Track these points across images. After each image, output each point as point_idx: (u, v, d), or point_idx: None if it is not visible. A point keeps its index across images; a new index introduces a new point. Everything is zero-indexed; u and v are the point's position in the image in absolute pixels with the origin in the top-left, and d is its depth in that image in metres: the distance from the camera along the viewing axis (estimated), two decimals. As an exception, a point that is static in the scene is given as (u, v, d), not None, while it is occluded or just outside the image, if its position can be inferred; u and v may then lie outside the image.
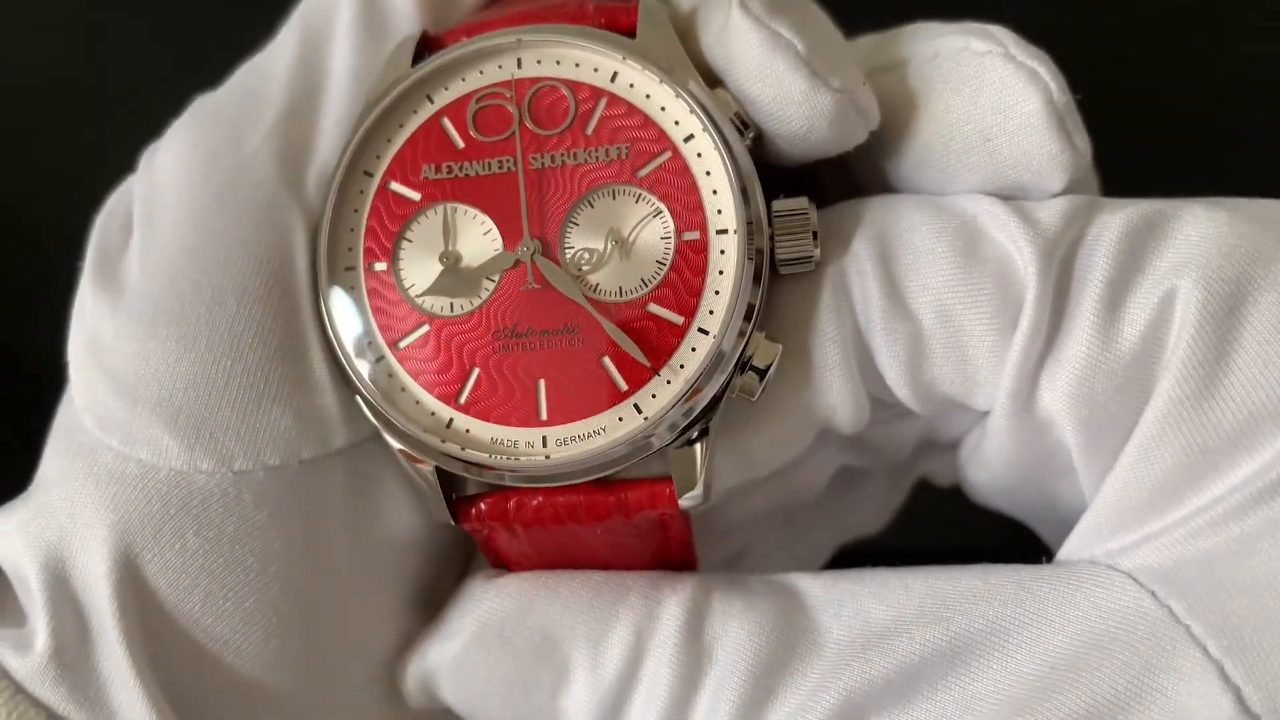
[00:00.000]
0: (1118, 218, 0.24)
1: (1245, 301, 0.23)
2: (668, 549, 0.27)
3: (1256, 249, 0.23)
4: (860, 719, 0.24)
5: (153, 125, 0.28)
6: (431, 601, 0.28)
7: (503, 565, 0.28)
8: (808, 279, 0.25)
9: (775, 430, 0.26)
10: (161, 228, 0.26)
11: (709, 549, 0.29)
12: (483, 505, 0.26)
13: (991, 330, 0.24)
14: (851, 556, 0.34)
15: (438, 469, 0.26)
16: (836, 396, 0.25)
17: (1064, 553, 0.26)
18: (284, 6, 0.28)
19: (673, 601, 0.25)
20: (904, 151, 0.26)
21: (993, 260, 0.24)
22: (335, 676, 0.26)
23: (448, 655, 0.26)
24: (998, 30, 0.25)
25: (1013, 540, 0.31)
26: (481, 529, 0.26)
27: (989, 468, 0.28)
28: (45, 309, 0.29)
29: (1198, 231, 0.24)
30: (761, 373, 0.25)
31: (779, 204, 0.25)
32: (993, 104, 0.25)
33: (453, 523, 0.26)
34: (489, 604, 0.26)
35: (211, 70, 0.29)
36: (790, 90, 0.25)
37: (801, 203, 0.25)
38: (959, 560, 0.26)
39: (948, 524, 0.38)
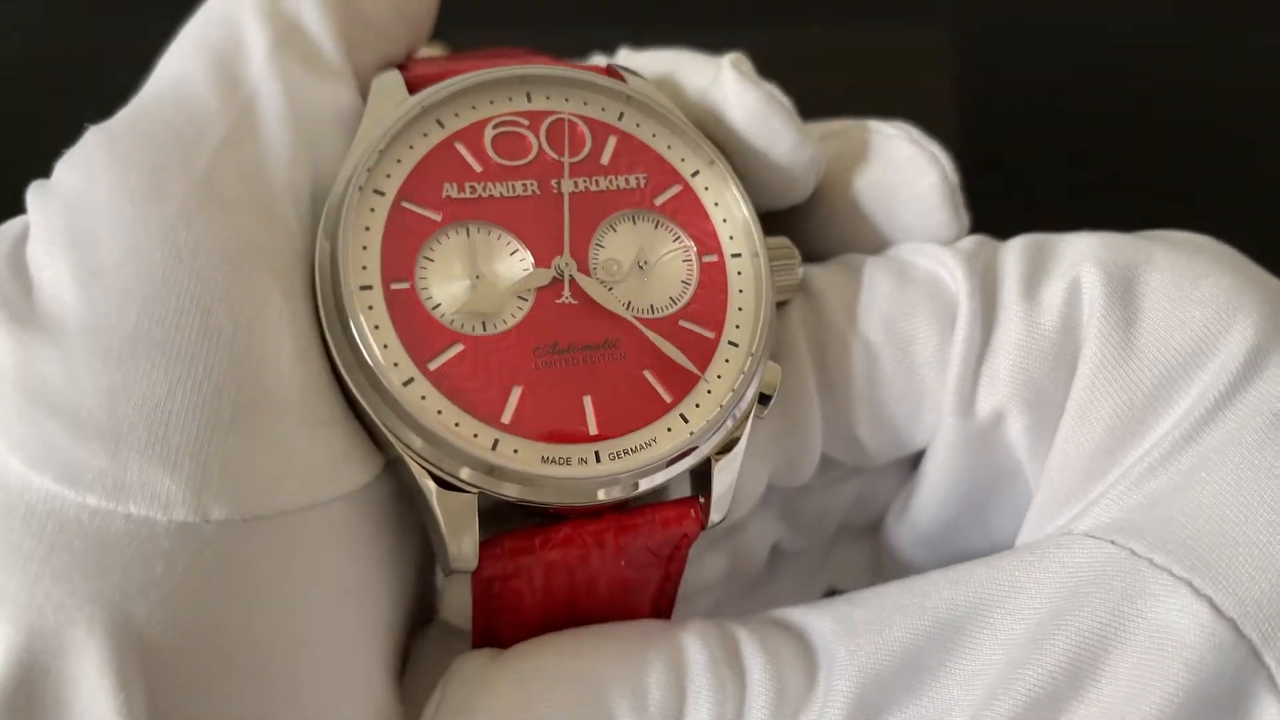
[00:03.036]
0: (1014, 241, 0.28)
1: (1138, 280, 0.26)
2: (662, 590, 0.27)
3: (1135, 249, 0.27)
4: (874, 713, 0.24)
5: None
6: (397, 668, 0.26)
7: (490, 635, 0.26)
8: (780, 312, 0.28)
9: (754, 449, 0.27)
10: (108, 248, 0.22)
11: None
12: (506, 546, 0.24)
13: (932, 337, 0.27)
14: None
15: (480, 494, 0.24)
16: (802, 421, 0.28)
17: (1021, 537, 0.28)
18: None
19: (691, 637, 0.25)
20: (818, 208, 0.30)
21: (924, 281, 0.28)
22: None
23: None
24: (902, 125, 0.30)
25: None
26: (501, 575, 0.25)
27: (924, 512, 0.29)
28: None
29: (1083, 242, 0.27)
30: (771, 391, 0.26)
31: (767, 240, 0.27)
32: (899, 175, 0.29)
33: (473, 567, 0.24)
34: (521, 669, 0.24)
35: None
36: (782, 142, 0.28)
37: (784, 240, 0.28)
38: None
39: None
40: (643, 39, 0.31)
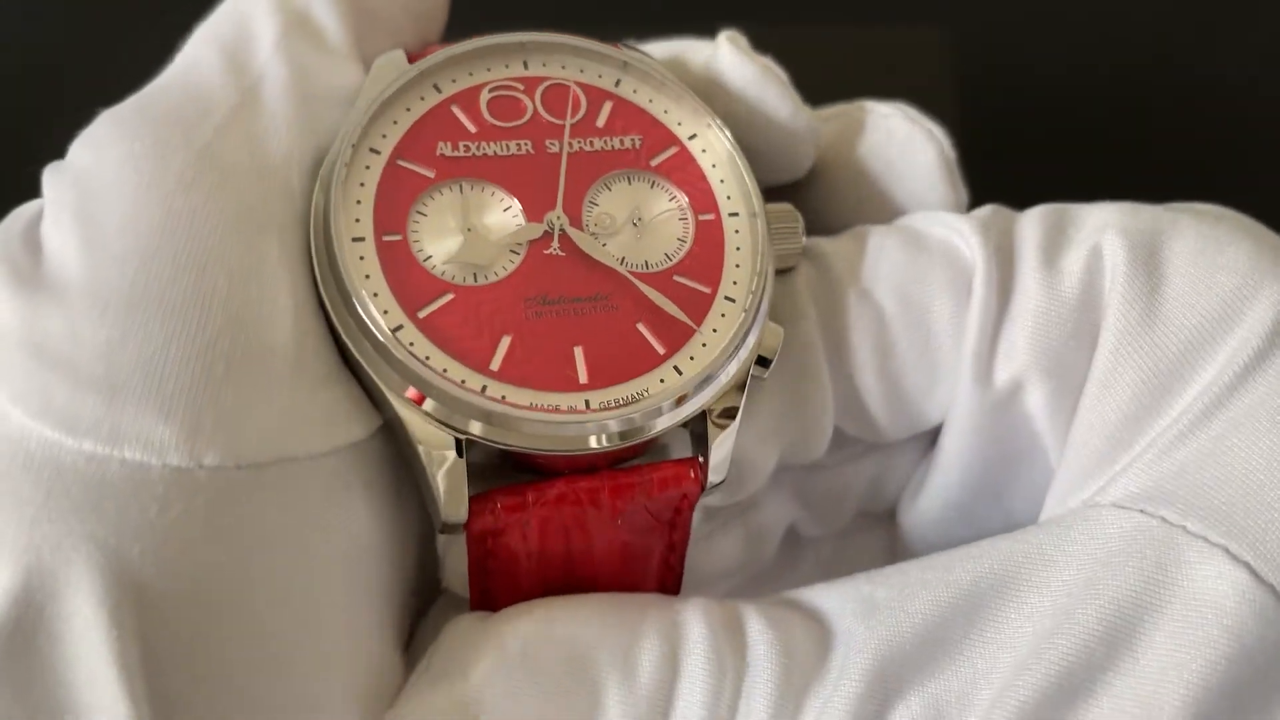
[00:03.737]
0: (1033, 210, 0.27)
1: (1162, 245, 0.26)
2: (666, 562, 0.27)
3: (1157, 218, 0.26)
4: (894, 690, 0.23)
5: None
6: (398, 643, 0.26)
7: (488, 598, 0.26)
8: (784, 280, 0.27)
9: (756, 424, 0.27)
10: (111, 217, 0.23)
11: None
12: (499, 500, 0.24)
13: (947, 305, 0.27)
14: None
15: (463, 442, 0.24)
16: (812, 393, 0.27)
17: (1045, 512, 0.27)
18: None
19: (691, 613, 0.25)
20: (818, 187, 0.31)
21: (938, 248, 0.27)
22: (310, 693, 0.23)
23: (457, 696, 0.23)
24: (898, 104, 0.31)
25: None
26: (494, 530, 0.24)
27: (941, 490, 0.29)
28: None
29: (1104, 213, 0.27)
30: (771, 354, 0.26)
31: (768, 206, 0.27)
32: (897, 152, 0.30)
33: (463, 520, 0.24)
34: (504, 632, 0.24)
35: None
36: (780, 109, 0.28)
37: (787, 206, 0.28)
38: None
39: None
40: (643, 37, 0.31)
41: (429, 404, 0.24)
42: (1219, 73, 0.44)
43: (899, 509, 0.31)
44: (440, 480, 0.24)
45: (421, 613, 0.27)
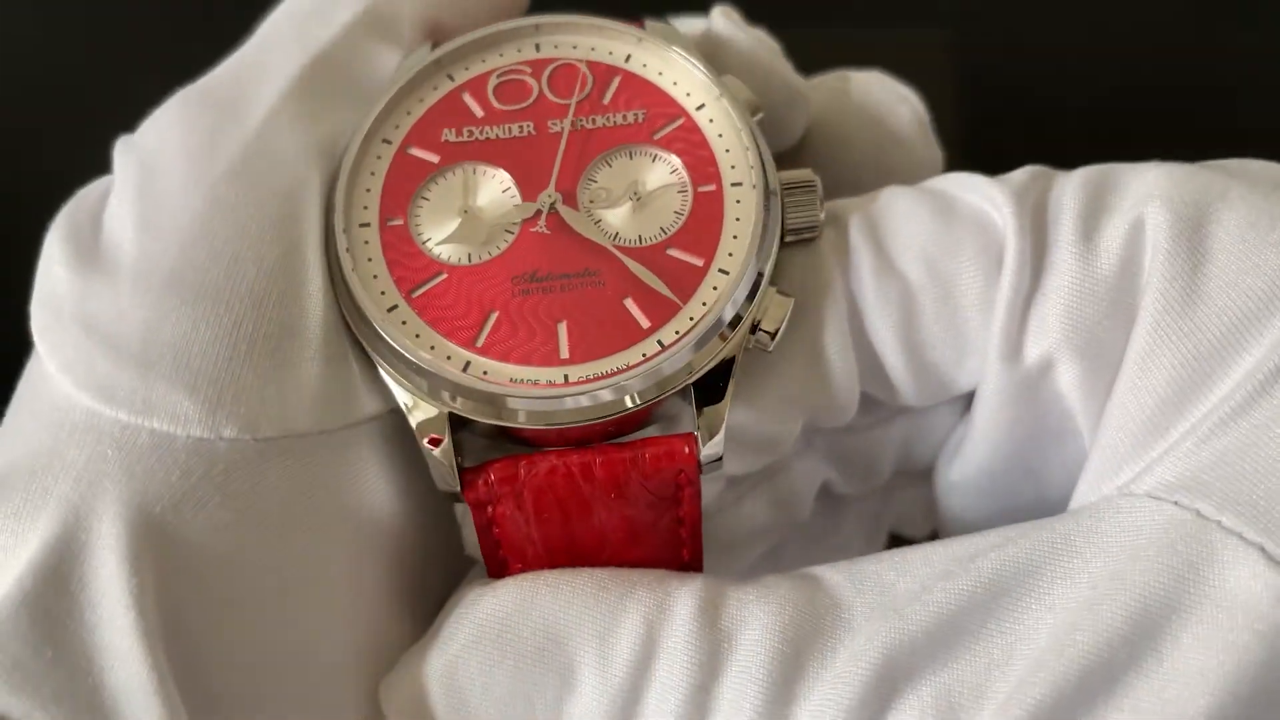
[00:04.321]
0: (1074, 175, 0.26)
1: (1209, 219, 0.24)
2: (676, 537, 0.26)
3: (1208, 184, 0.25)
4: (904, 678, 0.23)
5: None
6: (413, 614, 0.27)
7: (502, 566, 0.26)
8: (807, 248, 0.27)
9: (778, 393, 0.27)
10: (165, 201, 0.25)
11: (711, 566, 0.28)
12: (492, 472, 0.25)
13: (977, 278, 0.25)
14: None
15: (450, 416, 0.25)
16: (831, 366, 0.26)
17: (1076, 499, 0.26)
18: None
19: (683, 592, 0.24)
20: (811, 150, 0.31)
21: (969, 217, 0.26)
22: (318, 664, 0.25)
23: (438, 665, 0.25)
24: (872, 71, 0.32)
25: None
26: (489, 499, 0.25)
27: (972, 461, 0.28)
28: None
29: (1152, 177, 0.25)
30: (779, 322, 0.25)
31: (785, 174, 0.27)
32: (883, 113, 0.31)
33: (458, 488, 0.25)
34: (485, 606, 0.25)
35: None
36: (776, 76, 0.29)
37: (807, 173, 0.27)
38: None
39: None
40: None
41: (416, 380, 0.25)
42: (1219, 72, 0.44)
43: (934, 473, 0.30)
44: (429, 452, 0.25)
45: (459, 579, 0.28)
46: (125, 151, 0.27)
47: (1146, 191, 0.25)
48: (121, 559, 0.22)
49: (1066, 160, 0.28)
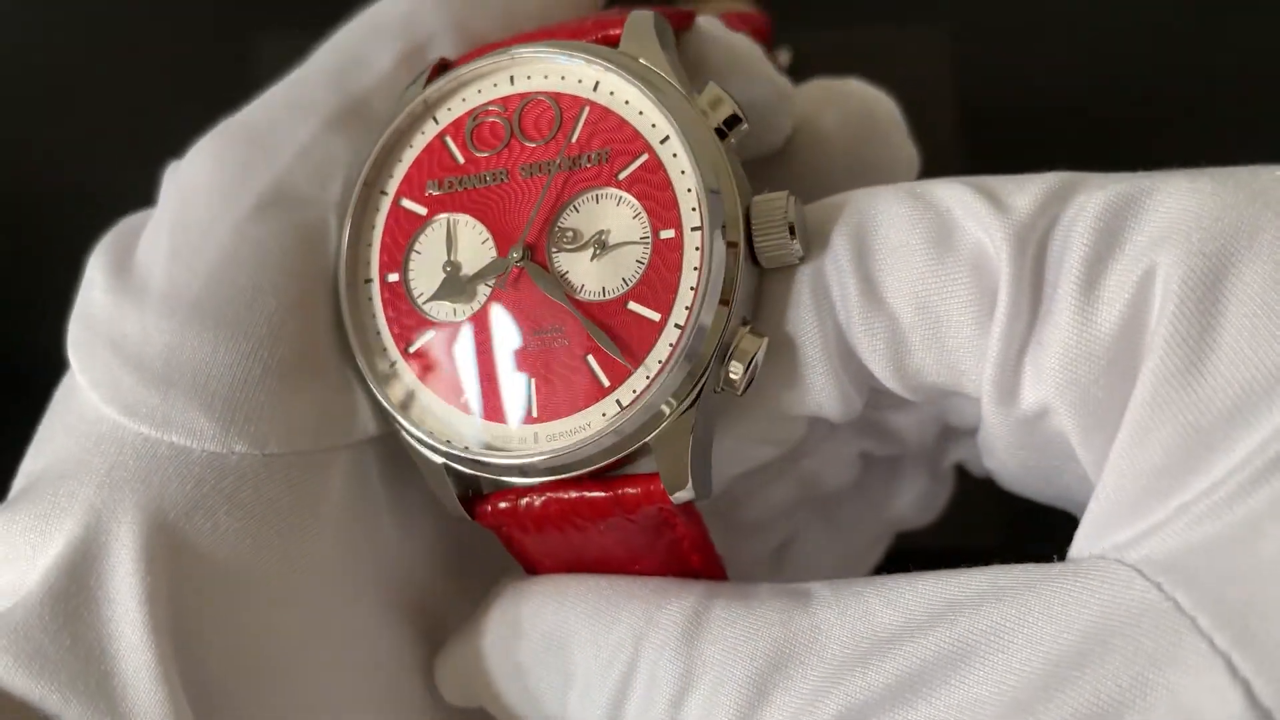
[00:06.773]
0: (1095, 198, 0.24)
1: (1229, 274, 0.22)
2: (681, 550, 0.27)
3: (1239, 220, 0.22)
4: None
5: (149, 127, 0.30)
6: (422, 614, 0.29)
7: (531, 567, 0.28)
8: (790, 275, 0.26)
9: (763, 426, 0.27)
10: (195, 232, 0.27)
11: (745, 546, 0.30)
12: (492, 505, 0.27)
13: (969, 320, 0.24)
14: (904, 557, 0.33)
15: (446, 466, 0.27)
16: (820, 391, 0.26)
17: (1074, 549, 0.24)
18: (275, 9, 0.30)
19: (674, 607, 0.25)
20: (797, 156, 0.31)
21: (966, 250, 0.24)
22: (317, 665, 0.27)
23: (474, 650, 0.27)
24: (848, 78, 0.33)
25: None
26: (497, 525, 0.27)
27: (995, 455, 0.27)
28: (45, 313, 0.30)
29: (1178, 204, 0.23)
30: (746, 365, 0.25)
31: (759, 199, 0.26)
32: (863, 115, 0.31)
33: (467, 518, 0.27)
34: (507, 605, 0.27)
35: (211, 72, 0.29)
36: (760, 78, 0.29)
37: (778, 196, 0.26)
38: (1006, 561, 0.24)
39: (1002, 523, 0.37)
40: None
41: (417, 432, 0.27)
42: (1219, 72, 0.44)
43: (979, 447, 0.29)
44: (430, 481, 0.27)
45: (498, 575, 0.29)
46: (169, 180, 0.29)
47: (1165, 230, 0.23)
48: (137, 559, 0.24)
49: (1066, 160, 0.28)
